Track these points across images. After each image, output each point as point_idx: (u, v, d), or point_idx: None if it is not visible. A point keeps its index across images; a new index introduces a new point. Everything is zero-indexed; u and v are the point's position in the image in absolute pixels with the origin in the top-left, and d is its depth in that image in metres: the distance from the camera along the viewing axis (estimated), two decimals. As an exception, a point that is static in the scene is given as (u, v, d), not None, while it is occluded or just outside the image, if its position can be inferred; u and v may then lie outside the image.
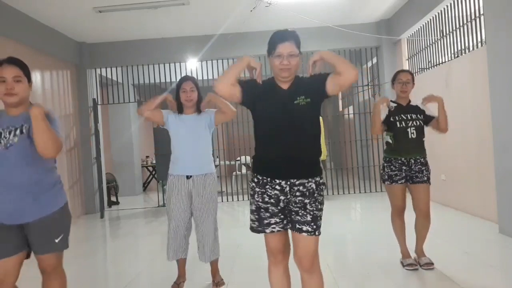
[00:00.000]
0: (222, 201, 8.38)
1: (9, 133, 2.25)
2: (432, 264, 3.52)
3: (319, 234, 2.22)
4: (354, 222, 6.26)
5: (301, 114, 2.18)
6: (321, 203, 2.24)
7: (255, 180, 2.25)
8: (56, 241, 2.33)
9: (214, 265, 3.47)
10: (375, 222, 5.74)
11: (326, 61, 2.18)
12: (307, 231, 2.17)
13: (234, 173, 9.84)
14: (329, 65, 2.17)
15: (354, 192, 8.33)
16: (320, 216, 2.23)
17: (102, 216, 7.66)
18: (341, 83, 2.15)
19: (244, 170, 9.83)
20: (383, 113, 3.57)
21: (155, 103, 3.32)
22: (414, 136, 3.48)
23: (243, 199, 8.43)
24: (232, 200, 8.44)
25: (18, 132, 2.26)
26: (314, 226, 2.18)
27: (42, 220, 2.28)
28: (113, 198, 9.16)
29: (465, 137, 5.55)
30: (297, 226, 2.19)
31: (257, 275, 3.67)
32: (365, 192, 8.26)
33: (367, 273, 3.63)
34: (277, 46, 2.15)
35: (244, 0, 6.26)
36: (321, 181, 2.25)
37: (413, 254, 3.69)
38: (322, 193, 2.25)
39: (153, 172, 11.15)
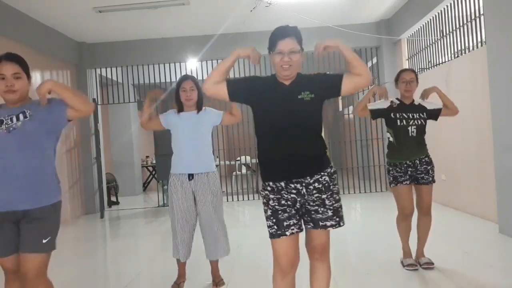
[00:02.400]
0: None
1: (11, 120, 2.25)
2: (432, 264, 3.52)
3: (343, 224, 2.24)
4: (354, 222, 6.25)
5: (305, 109, 2.13)
6: (338, 193, 2.23)
7: (269, 188, 2.17)
8: (44, 241, 2.25)
9: (214, 265, 3.47)
10: (375, 222, 5.74)
11: (342, 53, 2.12)
12: (331, 225, 2.18)
13: (234, 173, 9.84)
14: (345, 59, 2.13)
15: (354, 192, 8.33)
16: (341, 206, 2.24)
17: (102, 216, 7.66)
18: (358, 85, 2.15)
19: (244, 170, 9.83)
20: (380, 105, 3.55)
21: (149, 109, 3.39)
22: (414, 134, 3.45)
23: (243, 199, 8.44)
24: (232, 200, 8.44)
25: (21, 117, 2.26)
26: (337, 219, 2.20)
27: (36, 212, 2.24)
28: (113, 198, 9.16)
29: (465, 137, 5.55)
30: (321, 223, 2.17)
31: (257, 275, 3.67)
32: (365, 192, 8.26)
33: (367, 272, 3.62)
34: (278, 43, 2.10)
35: (244, 0, 6.27)
36: (332, 171, 2.22)
37: (413, 255, 3.67)
38: (336, 182, 2.23)
39: (153, 172, 11.15)
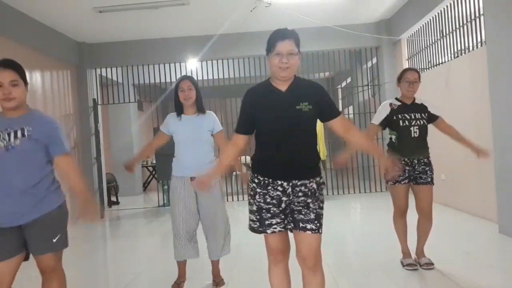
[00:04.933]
0: (222, 201, 8.37)
1: (8, 135, 2.22)
2: (432, 264, 3.52)
3: (321, 232, 2.23)
4: (354, 222, 6.26)
5: (303, 119, 2.18)
6: (322, 202, 2.26)
7: (256, 180, 2.24)
8: (54, 241, 2.30)
9: (215, 264, 3.48)
10: (375, 222, 5.74)
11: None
12: (311, 229, 2.18)
13: (234, 173, 9.84)
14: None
15: (354, 192, 8.33)
16: (322, 215, 2.25)
17: (102, 216, 7.66)
18: (337, 133, 2.31)
19: (244, 170, 9.83)
20: (383, 114, 3.55)
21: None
22: (417, 135, 3.45)
23: (243, 199, 8.43)
24: (232, 200, 8.44)
25: (19, 134, 2.24)
26: (318, 224, 2.20)
27: (39, 220, 2.26)
28: (113, 198, 9.16)
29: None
30: (301, 225, 2.19)
31: (257, 275, 3.66)
32: (365, 192, 8.26)
33: (367, 273, 3.63)
34: (276, 45, 2.13)
35: (244, 0, 6.26)
36: (321, 181, 2.26)
37: (413, 255, 3.67)
38: (322, 192, 2.27)
39: (153, 172, 11.14)
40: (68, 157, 2.39)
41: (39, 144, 2.28)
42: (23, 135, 2.24)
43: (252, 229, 2.28)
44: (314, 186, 2.21)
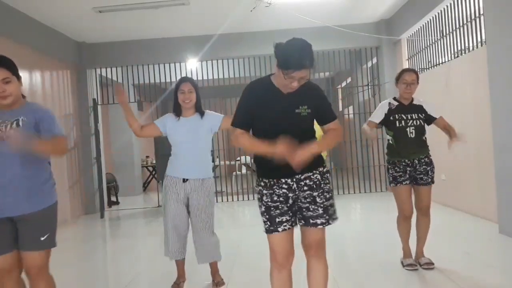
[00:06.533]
0: (222, 201, 8.38)
1: (5, 127, 2.23)
2: (432, 264, 3.52)
3: (334, 221, 2.26)
4: (354, 222, 6.26)
5: (301, 122, 2.20)
6: (329, 192, 2.27)
7: (262, 184, 2.26)
8: (42, 239, 2.29)
9: (214, 265, 3.46)
10: (375, 222, 5.74)
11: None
12: (322, 223, 2.22)
13: (234, 173, 9.84)
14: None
15: (354, 192, 8.33)
16: (332, 204, 2.27)
17: (102, 216, 7.66)
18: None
19: (244, 170, 9.83)
20: (381, 113, 3.55)
21: (129, 114, 3.32)
22: (413, 135, 3.45)
23: (243, 199, 8.43)
24: (232, 200, 8.44)
25: (14, 125, 2.25)
26: (327, 217, 2.23)
27: (31, 215, 2.26)
28: (113, 198, 9.16)
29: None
30: (311, 221, 2.22)
31: (257, 275, 3.66)
32: (365, 192, 8.26)
33: (367, 273, 3.63)
34: (292, 72, 2.04)
35: (244, 0, 6.26)
36: (325, 170, 2.28)
37: (413, 255, 3.67)
38: (328, 181, 2.28)
39: (153, 172, 11.15)
40: (57, 138, 2.29)
41: (36, 133, 2.27)
42: (17, 125, 2.25)
43: (266, 230, 2.27)
44: (318, 177, 2.23)
